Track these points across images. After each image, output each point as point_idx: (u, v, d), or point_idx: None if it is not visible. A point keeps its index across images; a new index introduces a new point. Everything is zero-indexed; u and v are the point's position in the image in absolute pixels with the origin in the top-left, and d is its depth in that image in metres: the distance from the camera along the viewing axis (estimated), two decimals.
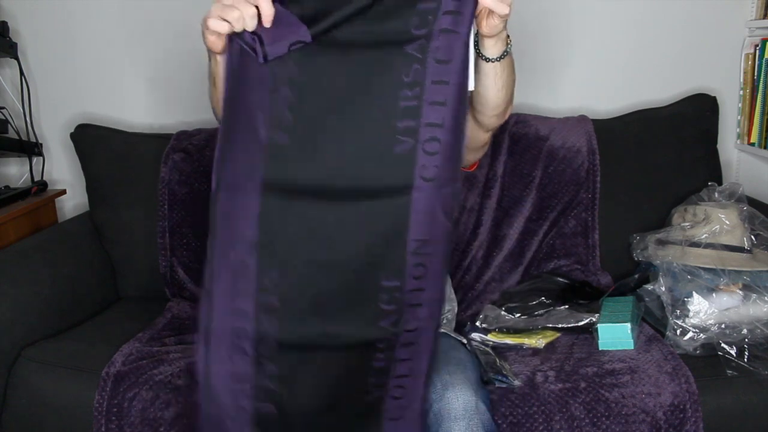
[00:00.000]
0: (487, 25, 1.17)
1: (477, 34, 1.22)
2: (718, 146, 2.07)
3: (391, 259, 1.09)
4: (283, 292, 1.09)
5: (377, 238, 1.08)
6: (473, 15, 1.09)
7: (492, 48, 1.25)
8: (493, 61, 1.27)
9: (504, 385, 1.49)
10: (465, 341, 1.64)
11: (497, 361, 1.57)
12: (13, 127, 2.20)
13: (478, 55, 1.26)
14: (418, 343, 1.14)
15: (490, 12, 1.15)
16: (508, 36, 1.26)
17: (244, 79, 1.06)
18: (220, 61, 1.22)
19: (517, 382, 1.50)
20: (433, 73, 1.05)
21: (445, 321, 1.71)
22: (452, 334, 1.65)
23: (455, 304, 1.78)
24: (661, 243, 1.77)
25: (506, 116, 1.45)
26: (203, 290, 1.17)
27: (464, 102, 1.08)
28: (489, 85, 1.31)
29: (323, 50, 1.03)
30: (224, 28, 1.10)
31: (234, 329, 1.11)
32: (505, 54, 1.28)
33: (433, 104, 1.05)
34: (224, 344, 1.12)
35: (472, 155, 1.59)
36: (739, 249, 1.69)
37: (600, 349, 1.61)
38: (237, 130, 1.07)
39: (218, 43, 1.15)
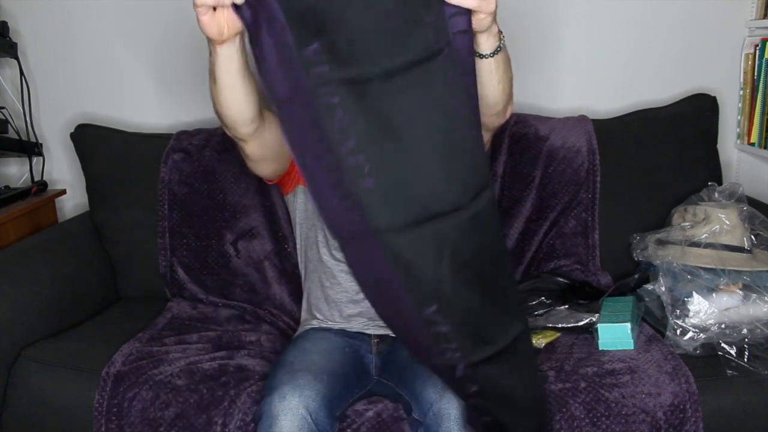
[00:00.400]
0: (476, 21, 1.18)
1: None
2: (718, 146, 2.07)
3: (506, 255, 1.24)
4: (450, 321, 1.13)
5: (495, 237, 1.18)
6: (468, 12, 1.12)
7: (485, 43, 1.25)
8: (487, 57, 1.27)
9: None
10: None
11: None
12: (13, 127, 2.20)
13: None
14: None
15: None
16: (500, 31, 1.26)
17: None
18: (220, 53, 1.21)
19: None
20: (465, 73, 1.10)
21: None
22: None
23: None
24: (661, 243, 1.77)
25: (507, 115, 1.45)
26: None
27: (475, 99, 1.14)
28: (486, 82, 1.32)
29: (365, 87, 1.03)
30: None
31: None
32: (499, 49, 1.28)
33: (471, 98, 1.12)
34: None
35: None
36: (739, 249, 1.69)
37: (600, 349, 1.61)
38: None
39: (212, 25, 1.14)
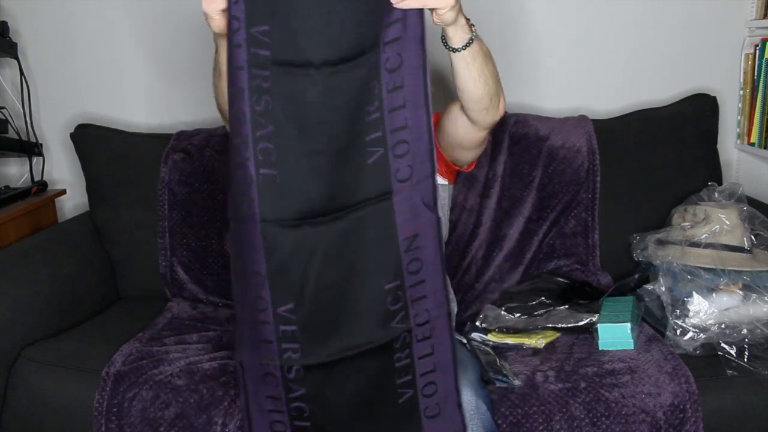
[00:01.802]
0: (438, 17, 1.18)
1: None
2: (718, 146, 2.07)
3: (387, 262, 1.15)
4: (300, 320, 1.15)
5: (371, 247, 1.15)
6: (420, 14, 1.12)
7: (454, 37, 1.26)
8: (459, 51, 1.27)
9: (504, 385, 1.49)
10: (465, 341, 1.64)
11: (497, 360, 1.57)
12: (13, 127, 2.20)
13: (445, 46, 1.27)
14: (434, 336, 1.20)
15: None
16: (471, 24, 1.26)
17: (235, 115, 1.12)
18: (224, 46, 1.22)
19: (517, 382, 1.50)
20: (387, 83, 1.11)
21: None
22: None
23: (455, 305, 1.78)
24: (661, 243, 1.77)
25: (500, 111, 1.44)
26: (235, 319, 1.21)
27: (423, 98, 1.13)
28: (463, 76, 1.32)
29: (296, 77, 1.10)
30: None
31: (261, 359, 1.18)
32: (471, 41, 1.27)
33: (393, 110, 1.12)
34: (254, 373, 1.20)
35: (467, 153, 1.59)
36: (739, 249, 1.69)
37: (600, 349, 1.61)
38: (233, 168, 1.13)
39: (221, 18, 1.17)
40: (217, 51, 1.29)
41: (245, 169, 1.10)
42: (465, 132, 1.50)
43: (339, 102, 1.11)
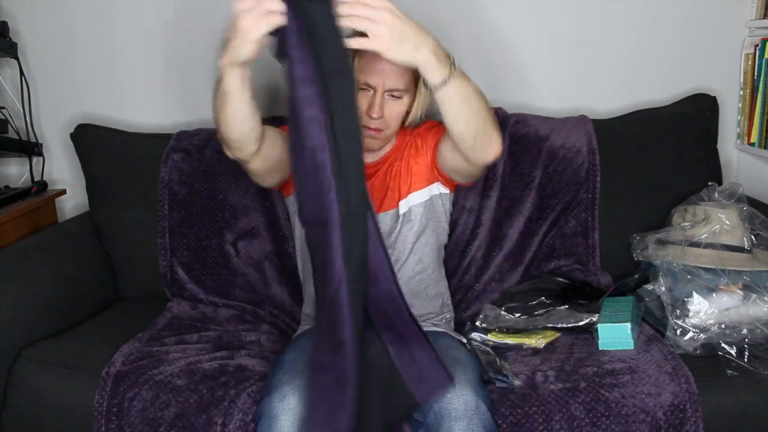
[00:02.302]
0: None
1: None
2: (718, 146, 2.07)
3: None
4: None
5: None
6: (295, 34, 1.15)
7: (426, 75, 1.29)
8: (432, 89, 1.31)
9: (504, 385, 1.49)
10: (465, 341, 1.64)
11: (497, 360, 1.57)
12: (13, 127, 2.20)
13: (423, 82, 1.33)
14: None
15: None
16: (452, 63, 1.29)
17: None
18: (241, 74, 1.26)
19: (517, 382, 1.50)
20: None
21: (443, 321, 1.71)
22: (452, 334, 1.66)
23: (451, 314, 1.79)
24: (661, 243, 1.77)
25: (490, 153, 1.44)
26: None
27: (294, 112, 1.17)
28: (442, 112, 1.35)
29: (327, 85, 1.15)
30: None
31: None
32: (446, 81, 1.29)
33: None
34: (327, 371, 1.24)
35: (463, 179, 1.67)
36: (739, 249, 1.69)
37: (600, 349, 1.61)
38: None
39: (253, 47, 1.19)
40: (225, 78, 1.29)
41: (324, 176, 1.14)
42: (456, 163, 1.55)
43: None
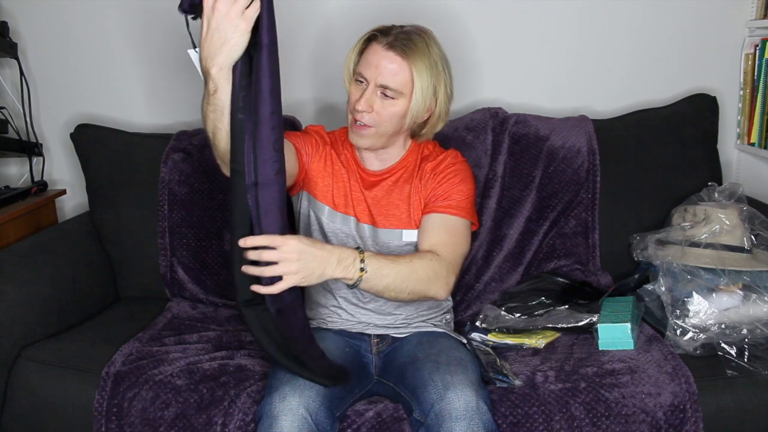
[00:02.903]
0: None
1: None
2: (718, 146, 2.07)
3: None
4: None
5: None
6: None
7: (344, 282, 1.40)
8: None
9: (505, 385, 1.49)
10: (465, 341, 1.64)
11: (498, 361, 1.57)
12: (13, 127, 2.20)
13: None
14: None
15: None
16: (362, 265, 1.38)
17: None
18: (226, 78, 1.26)
19: (517, 382, 1.50)
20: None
21: (443, 322, 1.71)
22: (452, 334, 1.65)
23: (450, 315, 1.78)
24: (661, 243, 1.77)
25: (442, 292, 1.52)
26: None
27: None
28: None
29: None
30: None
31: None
32: (357, 283, 1.40)
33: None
34: None
35: None
36: (739, 249, 1.69)
37: (600, 349, 1.61)
38: None
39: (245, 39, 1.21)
40: (217, 89, 1.29)
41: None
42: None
43: None
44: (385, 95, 1.53)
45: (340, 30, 2.19)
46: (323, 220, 1.61)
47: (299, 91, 2.24)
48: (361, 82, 1.54)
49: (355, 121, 1.55)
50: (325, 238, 1.61)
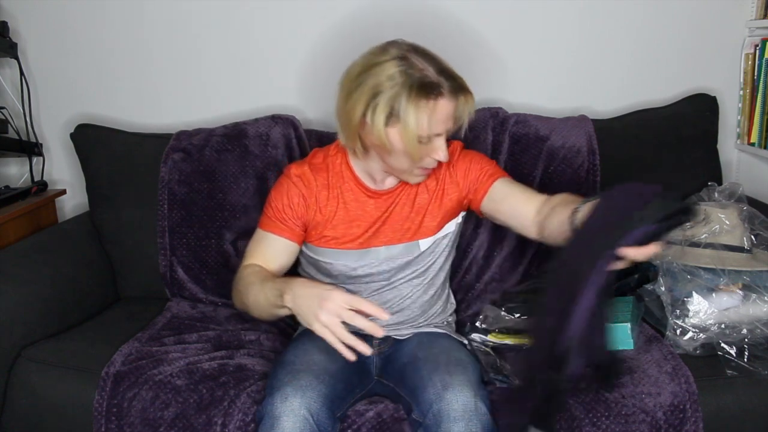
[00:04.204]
0: None
1: None
2: (718, 146, 2.07)
3: None
4: None
5: None
6: None
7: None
8: None
9: (505, 386, 1.49)
10: (465, 342, 1.64)
11: (498, 361, 1.57)
12: (13, 127, 2.20)
13: None
14: None
15: None
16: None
17: None
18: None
19: (517, 382, 1.50)
20: None
21: (445, 323, 1.71)
22: (453, 335, 1.66)
23: (452, 317, 1.79)
24: None
25: None
26: None
27: None
28: None
29: None
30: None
31: None
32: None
33: None
34: None
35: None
36: (739, 249, 1.69)
37: None
38: None
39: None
40: (278, 310, 1.41)
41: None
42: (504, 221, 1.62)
43: None
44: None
45: (346, 34, 2.19)
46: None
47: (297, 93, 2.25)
48: (432, 138, 1.45)
49: (423, 168, 1.51)
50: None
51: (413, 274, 1.62)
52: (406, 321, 1.64)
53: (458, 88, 1.43)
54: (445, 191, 1.62)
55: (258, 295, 1.45)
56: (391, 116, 1.40)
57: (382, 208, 1.60)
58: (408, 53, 1.41)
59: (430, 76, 1.39)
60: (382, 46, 1.46)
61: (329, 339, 1.29)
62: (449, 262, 1.72)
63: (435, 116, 1.41)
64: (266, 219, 1.60)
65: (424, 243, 1.61)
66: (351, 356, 1.30)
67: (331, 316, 1.28)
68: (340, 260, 1.59)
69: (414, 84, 1.38)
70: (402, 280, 1.62)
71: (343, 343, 1.29)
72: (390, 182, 1.60)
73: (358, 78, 1.43)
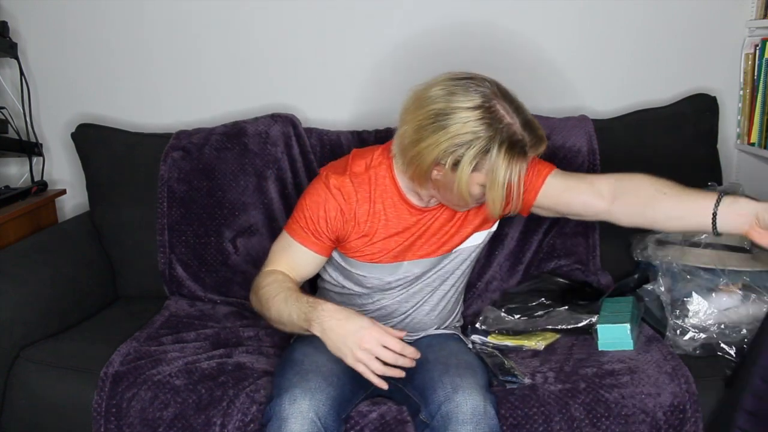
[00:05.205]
0: None
1: None
2: (718, 146, 2.07)
3: None
4: None
5: None
6: None
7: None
8: None
9: (515, 386, 1.49)
10: (471, 345, 1.64)
11: (505, 362, 1.56)
12: (13, 127, 2.20)
13: None
14: None
15: None
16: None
17: None
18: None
19: (527, 380, 1.50)
20: None
21: (452, 327, 1.70)
22: (462, 338, 1.66)
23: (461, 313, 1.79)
24: (661, 243, 1.77)
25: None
26: None
27: None
28: None
29: None
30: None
31: None
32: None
33: None
34: None
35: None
36: (739, 249, 1.69)
37: (600, 349, 1.61)
38: None
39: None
40: (301, 329, 1.43)
41: None
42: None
43: None
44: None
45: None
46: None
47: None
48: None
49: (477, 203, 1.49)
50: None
51: (440, 279, 1.61)
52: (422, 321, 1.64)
53: (539, 141, 1.39)
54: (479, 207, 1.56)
55: (281, 312, 1.43)
56: (476, 170, 1.37)
57: (421, 223, 1.55)
58: (494, 101, 1.36)
59: (517, 133, 1.36)
60: (463, 82, 1.37)
61: (363, 372, 1.34)
62: (470, 269, 1.69)
63: (522, 171, 1.39)
64: (297, 227, 1.53)
65: (456, 252, 1.59)
66: (384, 385, 1.34)
67: (367, 353, 1.33)
68: (374, 274, 1.56)
69: (504, 141, 1.34)
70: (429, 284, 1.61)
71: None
72: (434, 202, 1.55)
73: (437, 119, 1.35)
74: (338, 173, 1.53)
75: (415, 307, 1.61)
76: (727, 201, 1.39)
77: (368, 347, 1.32)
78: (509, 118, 1.36)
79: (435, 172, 1.40)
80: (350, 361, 1.33)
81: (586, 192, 1.52)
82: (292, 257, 1.54)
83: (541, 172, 1.56)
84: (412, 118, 1.39)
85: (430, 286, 1.61)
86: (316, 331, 1.37)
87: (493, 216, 1.49)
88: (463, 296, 1.76)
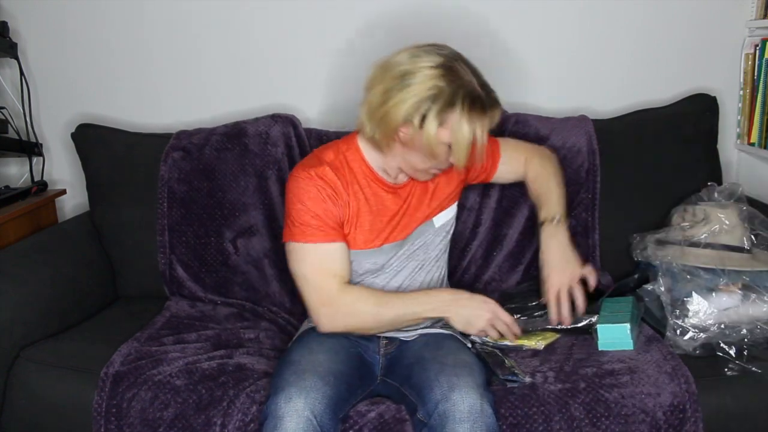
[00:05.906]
0: None
1: None
2: (718, 146, 2.07)
3: None
4: None
5: None
6: None
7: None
8: None
9: (515, 385, 1.49)
10: (470, 345, 1.64)
11: (505, 361, 1.56)
12: (13, 127, 2.20)
13: None
14: None
15: None
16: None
17: None
18: None
19: (528, 379, 1.50)
20: None
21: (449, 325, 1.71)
22: (459, 337, 1.65)
23: None
24: (661, 243, 1.77)
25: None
26: None
27: None
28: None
29: None
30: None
31: None
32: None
33: None
34: None
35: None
36: (739, 249, 1.69)
37: (599, 349, 1.61)
38: None
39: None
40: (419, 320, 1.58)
41: None
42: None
43: None
44: None
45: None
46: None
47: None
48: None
49: (439, 169, 1.58)
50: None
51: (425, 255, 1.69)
52: None
53: (495, 103, 1.49)
54: (445, 178, 1.69)
55: (400, 314, 1.55)
56: (442, 125, 1.45)
57: (399, 202, 1.64)
58: (454, 62, 1.46)
59: (477, 90, 1.45)
60: (425, 48, 1.48)
61: (490, 330, 1.56)
62: (447, 253, 1.77)
63: (485, 128, 1.48)
64: (316, 231, 1.54)
65: (437, 220, 1.69)
66: (518, 330, 1.59)
67: (494, 317, 1.55)
68: (369, 259, 1.62)
69: (466, 96, 1.43)
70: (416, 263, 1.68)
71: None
72: (402, 178, 1.64)
73: (403, 79, 1.45)
74: (314, 166, 1.59)
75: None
76: (546, 230, 1.71)
77: (492, 315, 1.55)
78: (468, 76, 1.46)
79: (402, 133, 1.48)
80: (484, 325, 1.54)
81: (521, 169, 1.81)
82: (337, 259, 1.56)
83: (495, 152, 1.78)
84: (379, 82, 1.48)
85: (415, 259, 1.67)
86: (450, 314, 1.54)
87: (459, 168, 1.56)
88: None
